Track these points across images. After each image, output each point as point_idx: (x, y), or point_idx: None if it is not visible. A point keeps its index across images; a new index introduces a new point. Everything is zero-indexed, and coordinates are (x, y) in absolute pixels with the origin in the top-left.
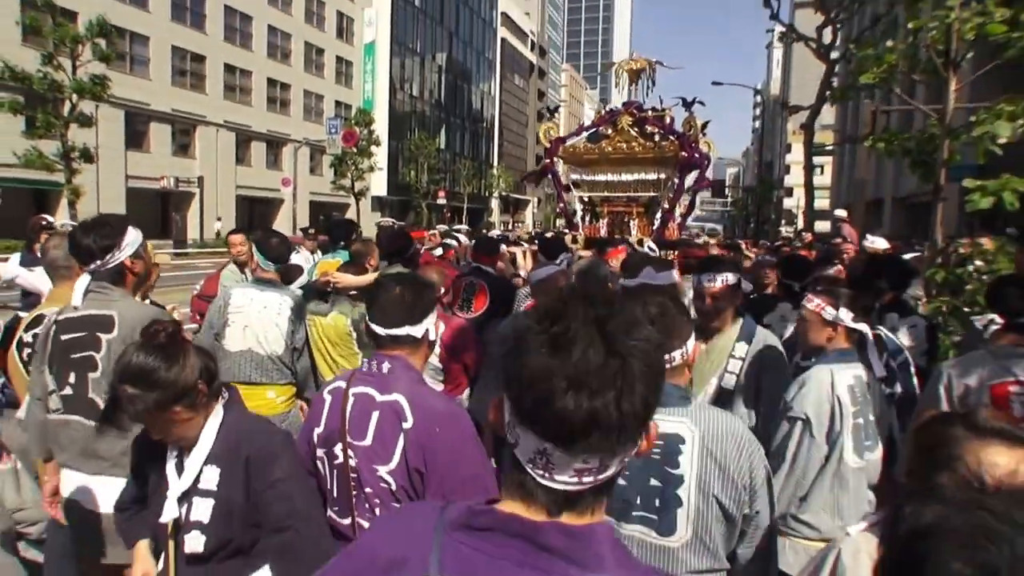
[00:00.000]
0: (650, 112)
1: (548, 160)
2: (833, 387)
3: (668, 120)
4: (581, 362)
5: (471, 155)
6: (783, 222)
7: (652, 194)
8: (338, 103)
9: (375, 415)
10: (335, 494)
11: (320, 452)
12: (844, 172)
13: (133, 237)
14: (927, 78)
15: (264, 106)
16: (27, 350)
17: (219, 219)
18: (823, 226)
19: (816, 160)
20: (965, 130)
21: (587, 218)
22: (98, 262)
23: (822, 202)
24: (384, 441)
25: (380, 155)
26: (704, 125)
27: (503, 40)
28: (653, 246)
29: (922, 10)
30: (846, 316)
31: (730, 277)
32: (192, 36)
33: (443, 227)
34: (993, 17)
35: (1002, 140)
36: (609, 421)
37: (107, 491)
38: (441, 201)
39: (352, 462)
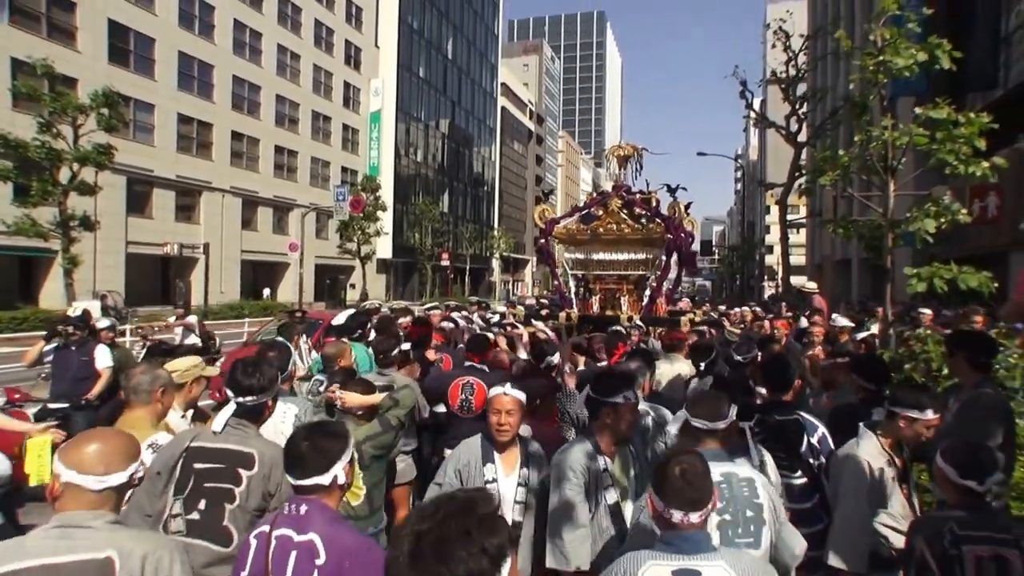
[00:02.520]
0: (638, 195)
1: (543, 240)
2: None
3: (655, 203)
4: None
5: (472, 218)
6: (765, 277)
7: (641, 273)
8: (344, 169)
9: (293, 554)
10: None
11: None
12: (816, 233)
13: (278, 384)
14: (877, 179)
15: (271, 172)
16: None
17: (268, 289)
18: (800, 279)
19: (792, 217)
20: (904, 223)
21: (581, 293)
22: (251, 398)
23: (798, 259)
24: None
25: (385, 219)
26: (687, 206)
27: (503, 109)
28: (639, 323)
29: (870, 120)
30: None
31: (630, 395)
32: (199, 104)
33: (451, 302)
34: (918, 132)
35: (931, 230)
36: None
37: None
38: (444, 263)
39: None
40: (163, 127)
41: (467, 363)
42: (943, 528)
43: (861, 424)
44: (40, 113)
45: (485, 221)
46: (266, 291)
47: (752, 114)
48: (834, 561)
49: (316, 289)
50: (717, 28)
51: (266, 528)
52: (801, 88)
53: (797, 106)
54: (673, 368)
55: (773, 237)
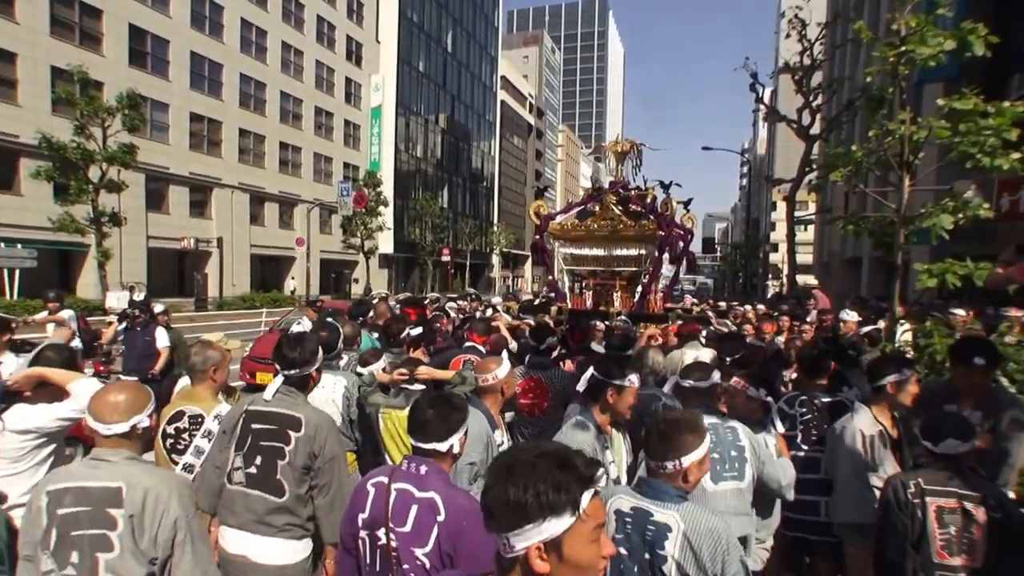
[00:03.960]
0: (634, 192)
1: (538, 236)
2: None
3: (650, 199)
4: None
5: (472, 213)
6: (770, 276)
7: (634, 269)
8: (346, 164)
9: (414, 508)
10: (377, 568)
11: (363, 533)
12: (825, 230)
13: (321, 355)
14: (893, 175)
15: (276, 168)
16: (169, 440)
17: (292, 278)
18: (807, 279)
19: (801, 214)
20: (918, 219)
21: (575, 288)
22: (296, 370)
23: (806, 257)
24: (421, 529)
25: (386, 214)
26: (688, 202)
27: (502, 103)
28: (626, 318)
29: (888, 113)
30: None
31: (634, 379)
32: (209, 103)
33: (434, 295)
34: (938, 124)
35: (948, 227)
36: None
37: (272, 549)
38: (445, 259)
39: (394, 544)
40: (177, 126)
41: (467, 343)
42: (909, 481)
43: (856, 400)
44: (75, 116)
45: (485, 217)
46: (291, 282)
47: (763, 108)
48: (842, 516)
49: (321, 283)
50: (725, 16)
51: (384, 479)
52: (816, 79)
53: (811, 98)
54: (696, 354)
55: (779, 234)
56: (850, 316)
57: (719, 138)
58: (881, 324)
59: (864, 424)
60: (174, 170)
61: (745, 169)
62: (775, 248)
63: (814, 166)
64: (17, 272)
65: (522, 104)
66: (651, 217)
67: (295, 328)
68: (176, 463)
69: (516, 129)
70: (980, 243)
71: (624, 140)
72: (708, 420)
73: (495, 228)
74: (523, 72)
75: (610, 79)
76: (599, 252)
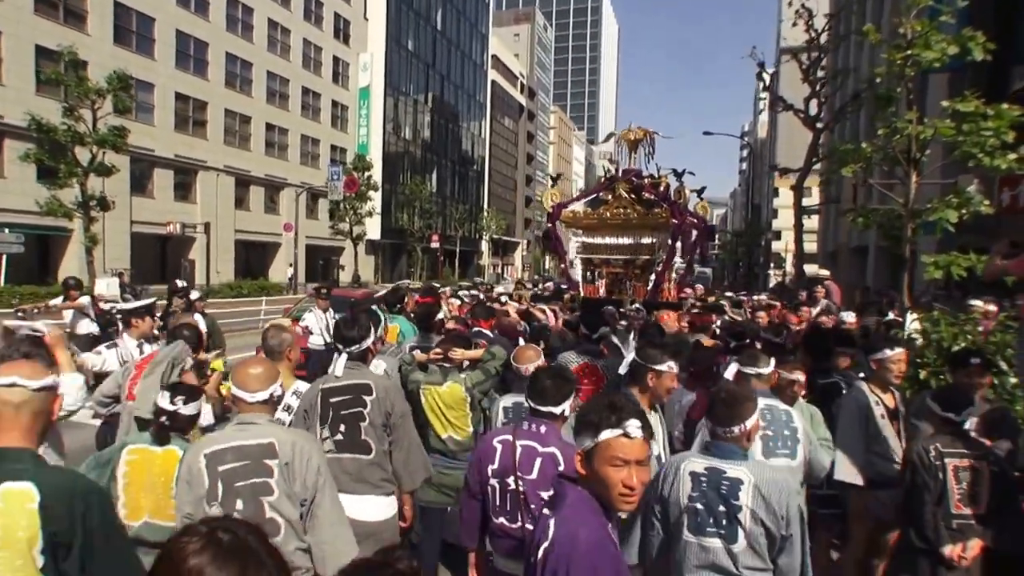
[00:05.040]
0: (647, 180)
1: (551, 224)
2: None
3: (663, 187)
4: None
5: (461, 198)
6: (772, 265)
7: (647, 257)
8: (334, 147)
9: (538, 460)
10: (507, 508)
11: (493, 481)
12: (831, 219)
13: (374, 331)
14: (899, 169)
15: (262, 151)
16: None
17: (291, 265)
18: (813, 267)
19: (804, 202)
20: (925, 213)
21: (588, 276)
22: (356, 347)
23: (810, 245)
24: (546, 476)
25: (375, 199)
26: (701, 190)
27: (493, 83)
28: (640, 307)
29: (895, 111)
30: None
31: (674, 365)
32: (195, 83)
33: (442, 286)
34: (943, 124)
35: (953, 220)
36: None
37: (369, 506)
38: (434, 245)
39: (522, 488)
40: (162, 107)
41: (475, 328)
42: (929, 447)
43: (860, 377)
44: (62, 97)
45: (474, 201)
46: (289, 271)
47: (768, 95)
48: (840, 476)
49: (308, 270)
50: None
51: (508, 437)
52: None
53: (818, 87)
54: None
55: (781, 222)
56: (850, 317)
57: (716, 122)
58: (891, 315)
59: (863, 394)
60: (159, 152)
61: (745, 153)
62: (778, 236)
63: (820, 154)
64: (4, 258)
65: (513, 84)
66: (664, 205)
67: (308, 315)
68: None
69: (507, 110)
70: (982, 235)
71: (637, 128)
72: (765, 401)
73: (485, 213)
74: (514, 51)
75: (604, 58)
76: (612, 240)
